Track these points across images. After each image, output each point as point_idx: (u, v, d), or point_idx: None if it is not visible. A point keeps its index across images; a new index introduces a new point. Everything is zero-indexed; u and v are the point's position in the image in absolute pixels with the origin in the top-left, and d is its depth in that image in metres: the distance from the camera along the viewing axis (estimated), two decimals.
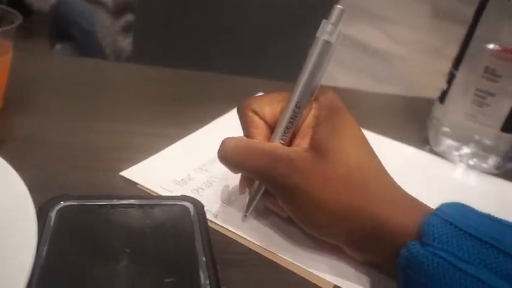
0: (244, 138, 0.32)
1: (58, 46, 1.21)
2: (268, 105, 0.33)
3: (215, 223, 0.33)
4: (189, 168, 0.39)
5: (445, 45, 0.49)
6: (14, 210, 0.27)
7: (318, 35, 0.30)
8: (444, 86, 0.50)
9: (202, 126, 0.46)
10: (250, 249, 0.31)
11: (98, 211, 0.29)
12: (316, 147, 0.29)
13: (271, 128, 0.33)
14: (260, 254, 0.31)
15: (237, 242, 0.32)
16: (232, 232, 0.32)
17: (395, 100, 0.71)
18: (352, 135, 0.30)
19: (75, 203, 0.29)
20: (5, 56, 0.40)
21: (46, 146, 0.38)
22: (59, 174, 0.35)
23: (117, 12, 0.96)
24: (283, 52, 0.88)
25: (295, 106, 0.31)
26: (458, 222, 0.26)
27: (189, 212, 0.31)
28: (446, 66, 0.51)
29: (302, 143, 0.31)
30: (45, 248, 0.26)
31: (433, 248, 0.25)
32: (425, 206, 0.29)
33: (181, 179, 0.37)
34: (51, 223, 0.27)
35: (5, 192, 0.28)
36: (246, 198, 0.34)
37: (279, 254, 0.31)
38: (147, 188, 0.35)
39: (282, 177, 0.29)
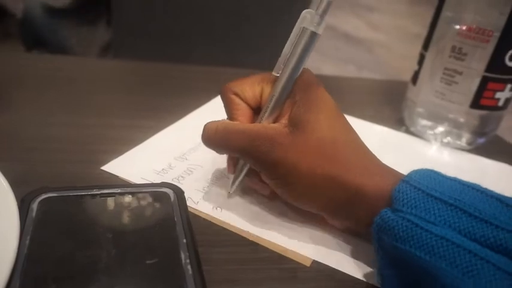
0: (224, 121, 0.33)
1: (34, 52, 1.19)
2: (249, 87, 0.34)
3: (195, 209, 0.34)
4: (169, 157, 0.40)
5: (424, 30, 0.50)
6: None
7: (305, 25, 0.31)
8: (416, 67, 0.51)
9: (180, 117, 0.47)
10: (229, 231, 0.32)
11: (80, 200, 0.30)
12: (294, 123, 0.31)
13: (253, 108, 0.34)
14: (239, 235, 0.32)
15: (216, 225, 0.33)
16: (212, 216, 0.33)
17: (373, 84, 0.73)
18: (326, 110, 0.32)
19: (57, 194, 0.30)
20: None
21: (25, 141, 0.39)
22: (39, 168, 0.35)
23: (89, 23, 0.97)
24: (260, 42, 0.89)
25: (281, 92, 0.32)
26: (426, 187, 0.27)
27: (169, 198, 0.31)
28: None
29: (283, 119, 0.32)
30: (28, 238, 0.26)
31: (403, 213, 0.27)
32: (398, 173, 0.31)
33: (162, 169, 0.38)
34: (33, 214, 0.28)
35: None
36: (229, 179, 0.35)
37: (258, 235, 0.32)
38: (129, 180, 0.36)
39: (263, 154, 0.30)
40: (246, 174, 0.35)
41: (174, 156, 0.40)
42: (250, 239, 0.32)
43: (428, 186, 0.27)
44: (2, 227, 0.26)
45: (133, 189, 0.32)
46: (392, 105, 0.58)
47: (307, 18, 0.31)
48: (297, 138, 0.30)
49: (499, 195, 0.27)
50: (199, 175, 0.38)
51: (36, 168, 0.35)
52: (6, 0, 2.04)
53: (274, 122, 0.33)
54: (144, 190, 0.32)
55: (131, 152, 0.40)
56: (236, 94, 0.34)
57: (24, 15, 1.12)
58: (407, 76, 0.54)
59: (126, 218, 0.30)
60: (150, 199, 0.31)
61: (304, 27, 0.31)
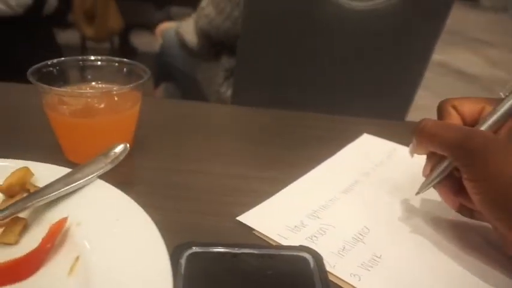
0: None
1: (162, 85, 1.33)
2: (470, 102, 0.35)
3: (333, 274, 0.32)
4: (301, 214, 0.39)
5: None
6: (149, 254, 0.29)
7: None
8: None
9: (305, 171, 0.45)
10: None
11: (222, 259, 0.31)
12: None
13: (466, 124, 0.35)
14: None
15: None
16: (350, 284, 0.31)
17: None
18: None
19: (201, 250, 0.31)
20: (135, 106, 0.44)
21: (165, 189, 0.42)
22: (178, 217, 0.37)
23: (215, 60, 1.04)
24: (377, 88, 0.87)
25: (504, 112, 0.32)
26: None
27: (309, 264, 0.31)
28: None
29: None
30: None
31: None
32: None
33: (295, 226, 0.37)
34: (182, 270, 0.29)
35: (140, 236, 0.31)
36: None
37: None
38: (263, 234, 0.36)
39: (475, 150, 0.30)
40: (439, 182, 0.35)
41: (306, 214, 0.39)
42: None
43: None
44: (156, 282, 0.27)
45: (274, 251, 0.32)
46: None
47: None
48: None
49: None
50: (333, 236, 0.36)
51: (176, 217, 0.37)
52: (139, 44, 2.44)
53: None
54: (283, 253, 0.32)
55: (264, 204, 0.40)
56: (454, 106, 0.35)
57: (161, 51, 1.28)
58: None
59: (267, 281, 0.29)
60: (289, 263, 0.31)
61: None
